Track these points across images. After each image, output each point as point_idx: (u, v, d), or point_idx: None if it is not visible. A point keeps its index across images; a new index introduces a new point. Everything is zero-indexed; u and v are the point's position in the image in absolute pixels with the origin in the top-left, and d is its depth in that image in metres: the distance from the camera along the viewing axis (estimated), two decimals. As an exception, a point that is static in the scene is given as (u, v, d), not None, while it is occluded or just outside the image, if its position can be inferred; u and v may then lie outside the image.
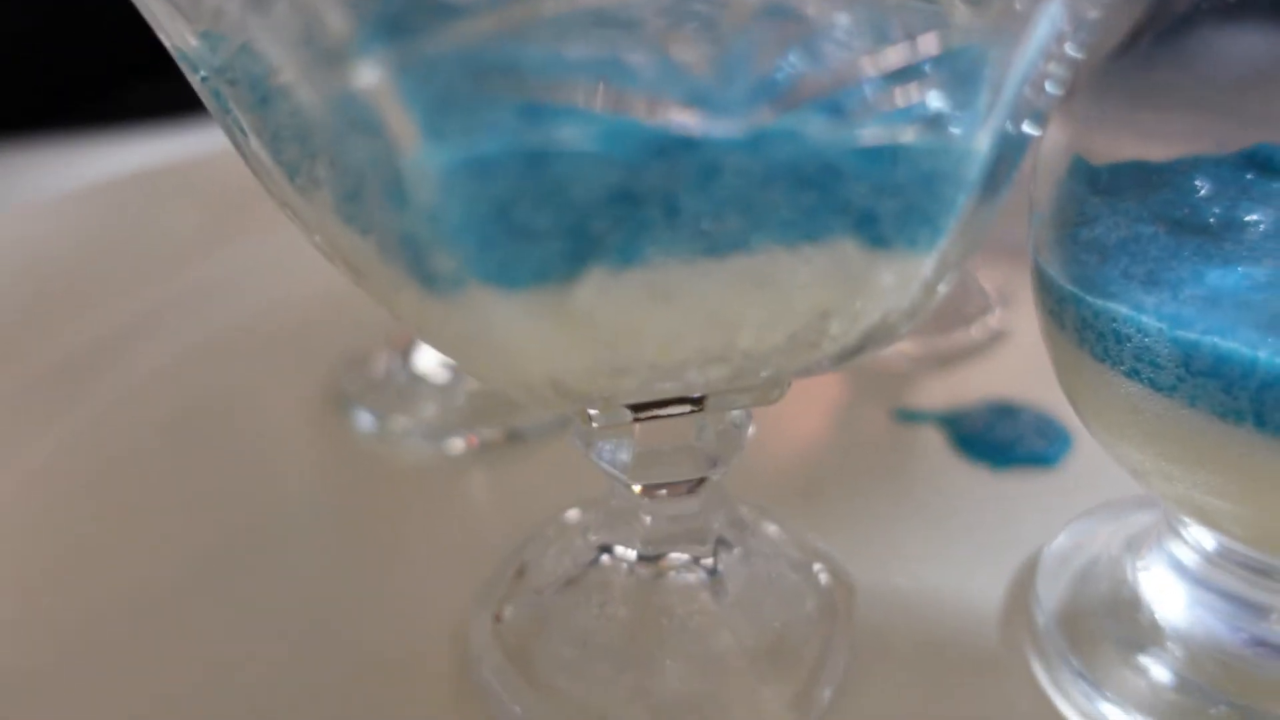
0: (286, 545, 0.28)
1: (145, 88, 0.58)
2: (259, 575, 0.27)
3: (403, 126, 0.12)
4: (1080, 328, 0.19)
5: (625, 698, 0.22)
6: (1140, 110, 0.23)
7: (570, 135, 0.12)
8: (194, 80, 0.17)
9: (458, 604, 0.25)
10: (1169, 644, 0.23)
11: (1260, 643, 0.22)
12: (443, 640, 0.24)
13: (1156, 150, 0.24)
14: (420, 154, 0.12)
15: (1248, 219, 0.20)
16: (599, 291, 0.14)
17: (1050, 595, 0.25)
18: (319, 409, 0.34)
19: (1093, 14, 0.13)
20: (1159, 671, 0.22)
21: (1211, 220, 0.20)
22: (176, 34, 0.16)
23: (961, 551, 0.27)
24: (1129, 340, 0.18)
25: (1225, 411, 0.17)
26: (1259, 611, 0.22)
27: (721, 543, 0.24)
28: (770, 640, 0.23)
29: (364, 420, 0.33)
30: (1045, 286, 0.21)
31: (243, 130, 0.16)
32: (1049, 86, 0.16)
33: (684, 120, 0.12)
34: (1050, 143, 0.22)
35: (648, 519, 0.23)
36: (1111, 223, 0.20)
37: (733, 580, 0.24)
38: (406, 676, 0.24)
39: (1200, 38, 0.23)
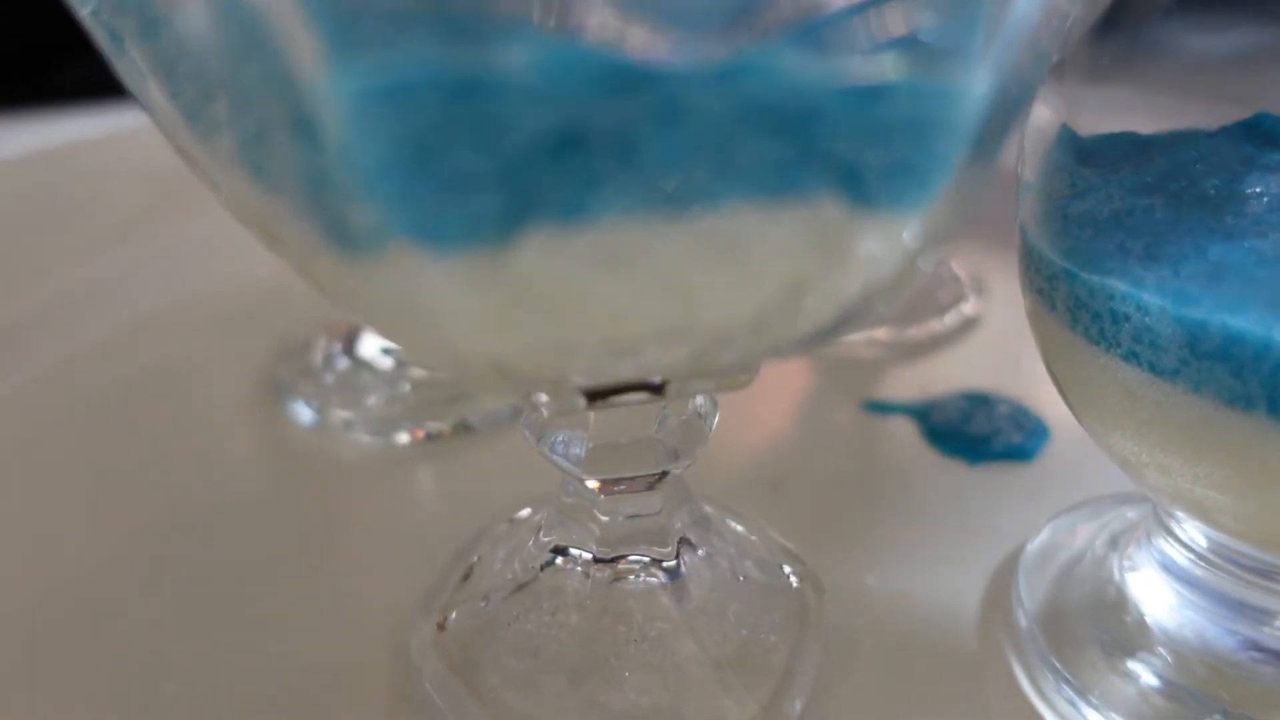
0: (215, 544, 0.26)
1: (75, 68, 0.55)
2: (184, 576, 0.24)
3: (305, 45, 0.10)
4: (1073, 307, 0.18)
5: (578, 712, 0.20)
6: (1131, 80, 0.22)
7: (506, 60, 0.10)
8: (84, 17, 0.15)
9: (399, 609, 0.23)
10: (1157, 647, 0.22)
11: (1256, 647, 0.21)
12: (381, 648, 0.22)
13: (1148, 123, 0.22)
14: (327, 79, 0.10)
15: (1250, 191, 0.18)
16: (541, 254, 0.12)
17: (1032, 596, 0.23)
18: (254, 398, 0.32)
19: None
20: (1147, 676, 0.21)
21: (1212, 192, 0.19)
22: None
23: (936, 550, 0.26)
24: (1127, 320, 0.17)
25: (1234, 398, 0.16)
26: (1255, 614, 0.21)
27: (684, 543, 0.22)
28: (736, 647, 0.22)
29: (302, 413, 0.31)
30: (1034, 264, 0.19)
31: (141, 73, 0.14)
32: (1045, 39, 0.14)
33: (642, 44, 0.10)
34: (1038, 112, 0.21)
35: (604, 518, 0.21)
36: (1105, 194, 0.19)
37: (696, 583, 0.22)
38: (341, 687, 0.22)
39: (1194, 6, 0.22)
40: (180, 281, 0.38)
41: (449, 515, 0.27)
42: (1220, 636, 0.21)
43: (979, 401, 0.31)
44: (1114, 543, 0.24)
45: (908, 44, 0.11)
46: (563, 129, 0.11)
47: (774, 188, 0.12)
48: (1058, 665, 0.22)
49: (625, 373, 0.15)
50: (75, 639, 0.23)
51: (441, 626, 0.22)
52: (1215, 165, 0.20)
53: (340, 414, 0.30)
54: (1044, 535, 0.25)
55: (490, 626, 0.22)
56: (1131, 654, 0.22)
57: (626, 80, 0.11)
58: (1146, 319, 0.16)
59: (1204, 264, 0.17)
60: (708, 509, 0.24)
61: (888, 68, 0.11)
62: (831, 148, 0.12)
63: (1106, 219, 0.18)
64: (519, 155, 0.11)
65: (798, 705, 0.21)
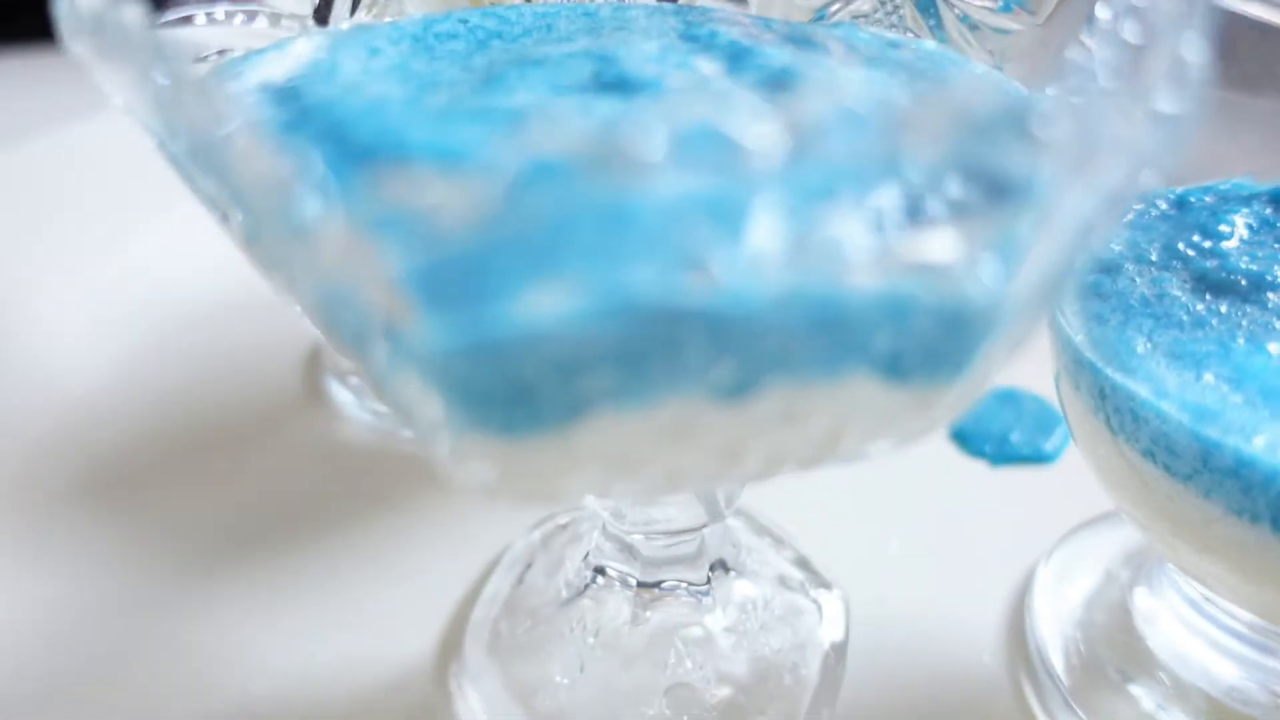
0: (257, 539, 0.27)
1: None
2: (223, 572, 0.26)
3: (400, 305, 0.11)
4: (1097, 397, 0.19)
5: (620, 730, 0.22)
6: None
7: (574, 315, 0.11)
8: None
9: (447, 605, 0.25)
10: (1159, 674, 0.23)
11: (1260, 676, 0.22)
12: (428, 650, 0.24)
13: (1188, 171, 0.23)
14: (418, 334, 0.11)
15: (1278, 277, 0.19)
16: (599, 433, 0.13)
17: (1044, 618, 0.25)
18: (302, 389, 0.33)
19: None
20: (1147, 704, 0.23)
21: (1242, 281, 0.19)
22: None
23: (958, 561, 0.27)
24: (1147, 424, 0.18)
25: (1241, 510, 0.17)
26: (1258, 645, 0.22)
27: (716, 566, 0.24)
28: (766, 663, 0.24)
29: (349, 403, 0.32)
30: (1063, 344, 0.20)
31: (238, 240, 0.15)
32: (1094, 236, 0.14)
33: (698, 285, 0.11)
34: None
35: (645, 553, 0.23)
36: (1135, 273, 0.19)
37: (727, 604, 0.24)
38: (389, 684, 0.24)
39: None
40: (229, 269, 0.39)
41: (493, 512, 0.29)
42: (1221, 665, 0.23)
43: (1005, 397, 0.32)
44: (1127, 562, 0.26)
45: (945, 262, 0.12)
46: (621, 350, 0.12)
47: (816, 374, 0.13)
48: (1065, 691, 0.23)
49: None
50: (133, 629, 0.25)
51: (490, 644, 0.24)
52: (1248, 239, 0.20)
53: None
54: (1059, 554, 0.26)
55: (537, 643, 0.24)
56: (1136, 680, 0.23)
57: (682, 314, 0.11)
58: (1165, 427, 0.17)
59: (1227, 367, 0.18)
60: (738, 529, 0.26)
61: (924, 283, 0.12)
62: (872, 345, 0.13)
63: (1135, 305, 0.19)
64: (583, 377, 0.12)
65: (827, 711, 0.23)
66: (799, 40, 0.18)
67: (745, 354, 0.12)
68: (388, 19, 0.20)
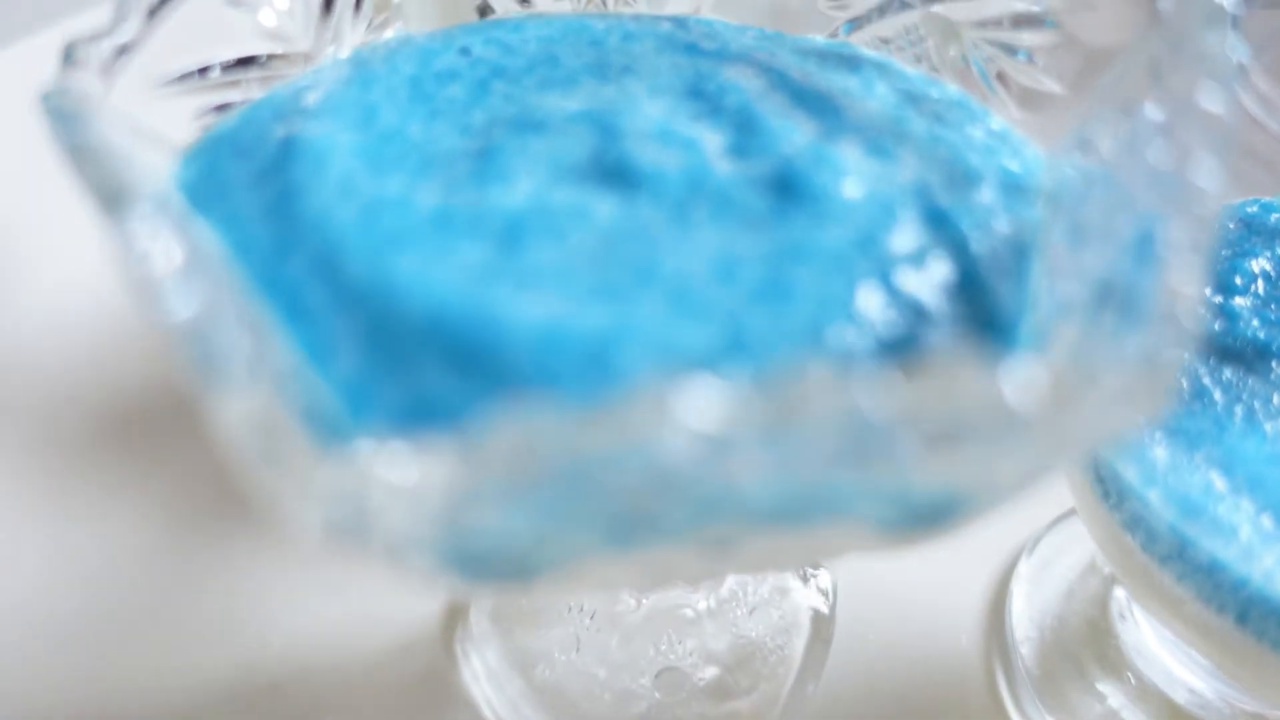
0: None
1: None
2: (242, 526, 0.28)
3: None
4: (1132, 521, 0.18)
5: (615, 703, 0.24)
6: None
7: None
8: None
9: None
10: (1127, 674, 0.24)
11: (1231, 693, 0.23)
12: (435, 615, 0.26)
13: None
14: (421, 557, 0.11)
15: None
16: (577, 576, 0.14)
17: (1022, 606, 0.26)
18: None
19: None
20: (1111, 704, 0.24)
21: (1249, 348, 0.19)
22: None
23: (944, 544, 0.28)
24: (1130, 502, 0.18)
25: (1210, 600, 0.17)
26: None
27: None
28: (751, 648, 0.25)
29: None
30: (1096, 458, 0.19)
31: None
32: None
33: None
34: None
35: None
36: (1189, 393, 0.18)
37: (717, 587, 0.25)
38: (400, 646, 0.25)
39: None
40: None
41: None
42: (1185, 671, 0.24)
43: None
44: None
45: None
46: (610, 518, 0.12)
47: (818, 522, 0.13)
48: (1035, 683, 0.25)
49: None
50: (153, 579, 0.27)
51: (494, 612, 0.26)
52: (1268, 297, 0.20)
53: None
54: (1044, 542, 0.27)
55: (538, 615, 0.25)
56: (1104, 678, 0.25)
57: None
58: (1146, 512, 0.17)
59: (1219, 449, 0.18)
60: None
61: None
62: (869, 516, 0.13)
63: (1192, 431, 0.18)
64: (573, 542, 0.12)
65: (812, 687, 0.25)
66: (811, 101, 0.17)
67: (739, 525, 0.13)
68: (390, 32, 0.19)
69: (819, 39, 0.20)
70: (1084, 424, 0.10)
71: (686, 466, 0.10)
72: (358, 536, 0.10)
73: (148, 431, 0.30)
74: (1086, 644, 0.25)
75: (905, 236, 0.15)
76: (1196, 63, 0.13)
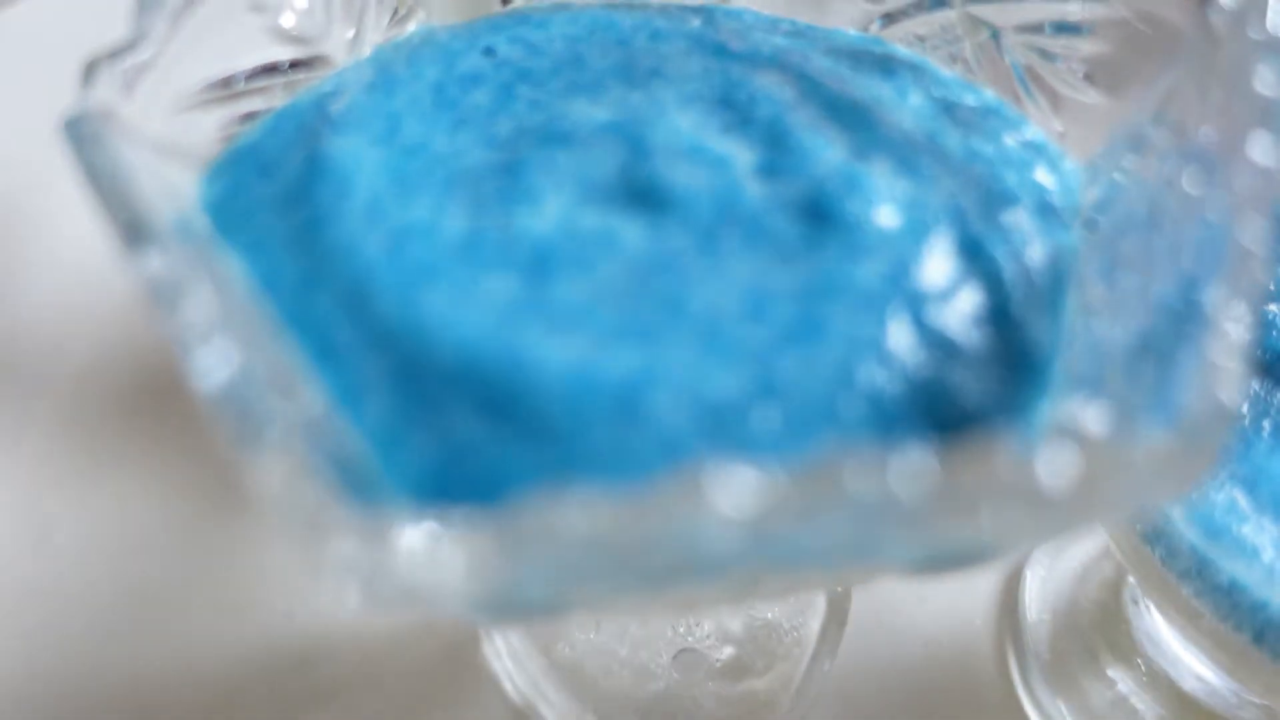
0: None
1: None
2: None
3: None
4: (1152, 533, 0.18)
5: (635, 680, 0.24)
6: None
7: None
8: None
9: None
10: (1138, 661, 0.25)
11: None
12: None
13: None
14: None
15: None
16: (612, 609, 0.14)
17: (1036, 588, 0.26)
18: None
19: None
20: (1120, 692, 0.24)
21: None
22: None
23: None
24: (1150, 515, 0.18)
25: (1227, 618, 0.17)
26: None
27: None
28: (767, 629, 0.25)
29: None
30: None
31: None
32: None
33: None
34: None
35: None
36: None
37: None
38: (423, 622, 0.26)
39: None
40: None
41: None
42: (1193, 660, 0.24)
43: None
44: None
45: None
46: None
47: (846, 566, 0.13)
48: (1045, 666, 0.25)
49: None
50: (183, 550, 0.27)
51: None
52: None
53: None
54: (1061, 527, 0.27)
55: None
56: (1114, 663, 0.25)
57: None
58: (1168, 527, 0.18)
59: (1245, 466, 0.18)
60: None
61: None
62: (906, 556, 0.13)
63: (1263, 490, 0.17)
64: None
65: (827, 665, 0.25)
66: (844, 113, 0.17)
67: (769, 572, 0.13)
68: (412, 26, 0.19)
69: (853, 33, 0.19)
70: (1117, 498, 0.10)
71: (723, 549, 0.10)
72: (391, 603, 0.10)
73: (177, 406, 0.30)
74: (1098, 628, 0.26)
75: (938, 269, 0.14)
76: (1248, 101, 0.13)
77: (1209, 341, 0.11)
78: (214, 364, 0.11)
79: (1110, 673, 0.25)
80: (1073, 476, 0.10)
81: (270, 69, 0.17)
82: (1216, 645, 0.19)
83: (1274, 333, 0.19)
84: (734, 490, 0.10)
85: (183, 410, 0.30)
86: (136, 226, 0.12)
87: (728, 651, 0.25)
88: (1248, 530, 0.17)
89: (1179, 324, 0.12)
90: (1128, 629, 0.25)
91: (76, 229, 0.34)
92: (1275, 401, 0.18)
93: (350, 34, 0.18)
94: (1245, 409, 0.18)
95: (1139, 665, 0.25)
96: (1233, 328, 0.11)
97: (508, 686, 0.25)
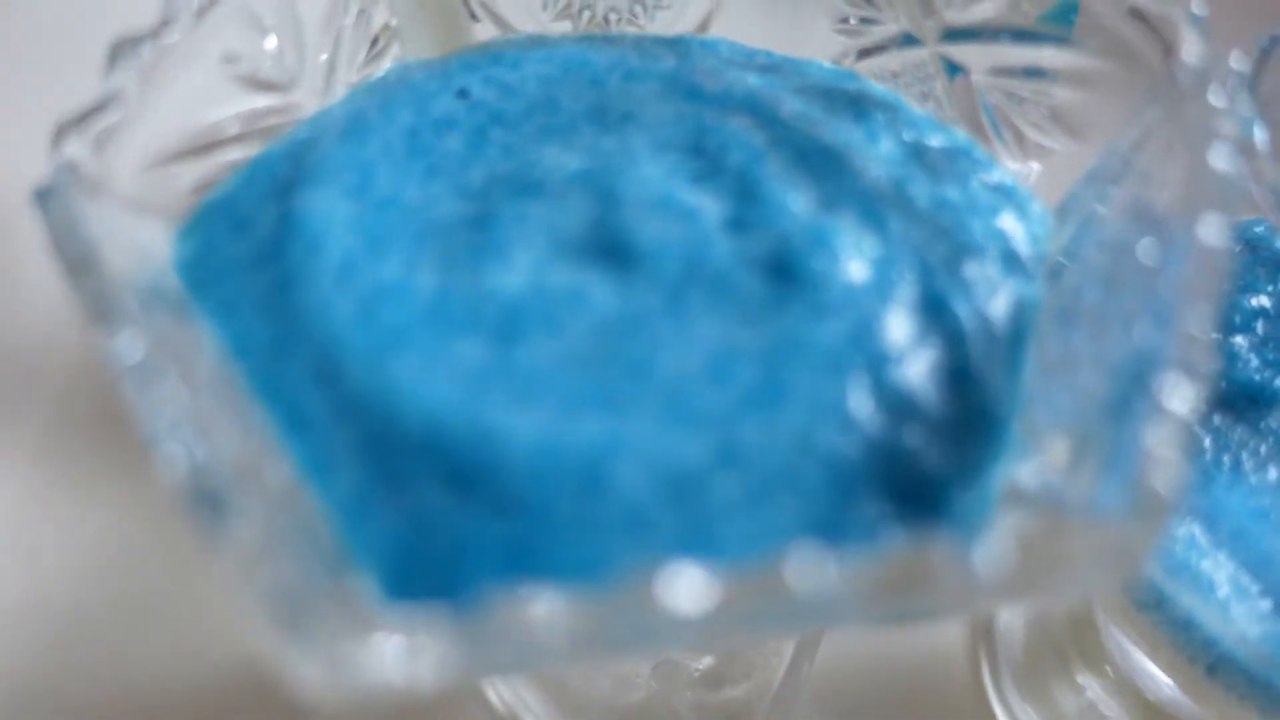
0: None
1: None
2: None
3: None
4: (1134, 594, 0.18)
5: (607, 698, 0.25)
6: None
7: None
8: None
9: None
10: (1108, 669, 0.25)
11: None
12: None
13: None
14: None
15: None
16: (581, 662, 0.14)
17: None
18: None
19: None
20: (1093, 696, 0.25)
21: (1242, 392, 0.19)
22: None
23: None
24: (1167, 616, 0.18)
25: (1183, 648, 0.18)
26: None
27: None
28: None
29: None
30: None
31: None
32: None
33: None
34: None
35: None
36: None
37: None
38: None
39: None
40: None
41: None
42: (1156, 670, 0.25)
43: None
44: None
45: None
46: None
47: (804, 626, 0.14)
48: (1016, 668, 0.26)
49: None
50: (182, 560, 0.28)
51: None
52: (1266, 337, 0.20)
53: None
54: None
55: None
56: (1084, 670, 0.26)
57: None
58: (1188, 630, 0.18)
59: (1205, 500, 0.18)
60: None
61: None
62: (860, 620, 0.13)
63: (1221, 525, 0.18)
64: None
65: (804, 672, 0.26)
66: (813, 161, 0.17)
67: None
68: (388, 60, 0.19)
69: (827, 67, 0.19)
70: (1054, 584, 0.11)
71: (677, 636, 0.10)
72: (357, 691, 0.10)
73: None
74: (1069, 637, 0.26)
75: (900, 328, 0.15)
76: (1204, 173, 0.13)
77: (1151, 428, 0.11)
78: (177, 456, 0.11)
79: (1080, 680, 0.25)
80: (1008, 569, 0.10)
81: (244, 117, 0.17)
82: (1173, 671, 0.19)
83: (1238, 366, 0.19)
84: (684, 592, 0.10)
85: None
86: (103, 309, 0.12)
87: (706, 661, 0.26)
88: (1206, 564, 0.18)
89: (1124, 403, 0.12)
90: (1097, 638, 0.26)
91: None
92: (1236, 436, 0.19)
93: (324, 75, 0.18)
94: (1207, 444, 0.19)
95: (1108, 673, 0.25)
96: (1175, 415, 0.11)
97: (491, 696, 0.26)
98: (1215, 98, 0.14)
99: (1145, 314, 0.13)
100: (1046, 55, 0.17)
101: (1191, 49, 0.14)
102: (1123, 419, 0.12)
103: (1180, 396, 0.11)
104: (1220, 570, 0.18)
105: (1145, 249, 0.13)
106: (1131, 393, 0.12)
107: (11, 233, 0.33)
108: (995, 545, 0.10)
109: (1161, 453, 0.11)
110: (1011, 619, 0.26)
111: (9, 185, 0.33)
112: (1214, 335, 0.11)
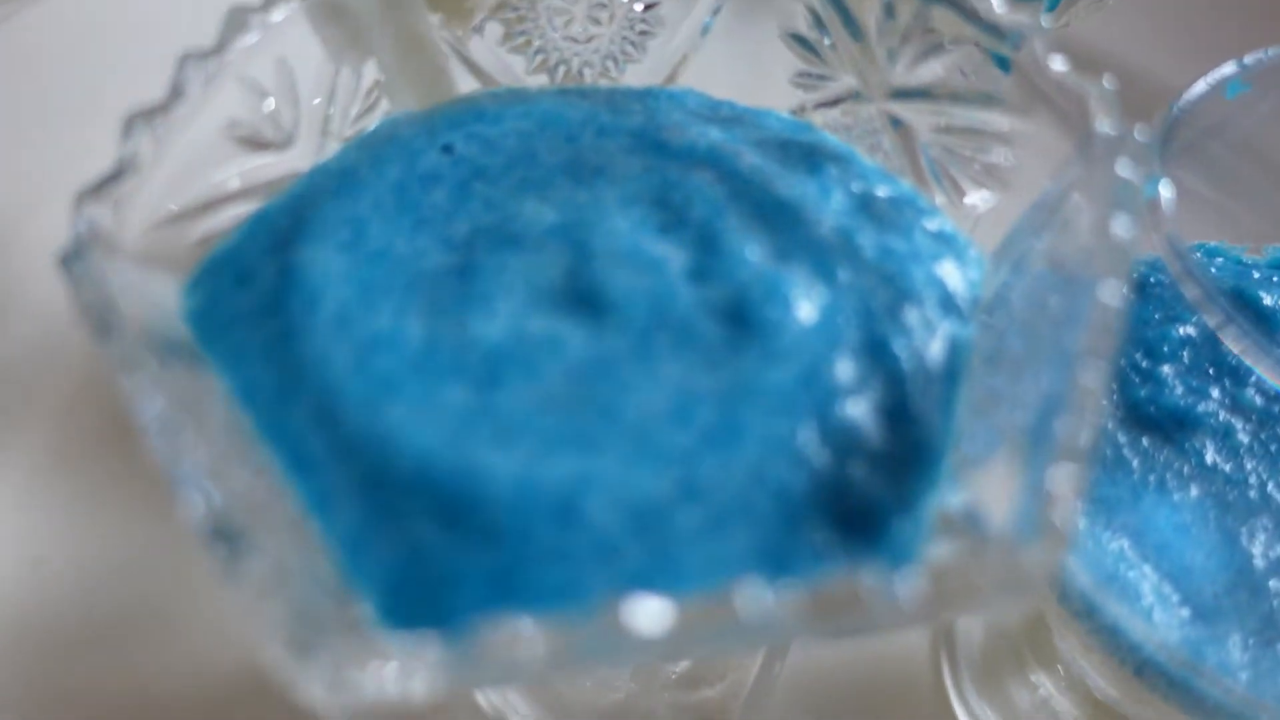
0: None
1: None
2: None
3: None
4: (1066, 602, 0.20)
5: (589, 699, 0.27)
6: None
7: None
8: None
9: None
10: (1059, 668, 0.27)
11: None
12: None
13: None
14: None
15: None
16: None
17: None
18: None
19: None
20: (1044, 694, 0.27)
21: (1167, 418, 0.21)
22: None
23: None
24: (1097, 623, 0.19)
25: (1114, 653, 0.20)
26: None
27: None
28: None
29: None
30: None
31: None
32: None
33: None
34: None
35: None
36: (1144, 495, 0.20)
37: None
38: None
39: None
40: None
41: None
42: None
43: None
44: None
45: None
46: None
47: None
48: (975, 668, 0.27)
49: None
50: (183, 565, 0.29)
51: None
52: (1189, 366, 0.21)
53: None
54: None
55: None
56: (1037, 669, 0.27)
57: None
58: (1116, 636, 0.19)
59: (1134, 516, 0.20)
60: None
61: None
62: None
63: (1110, 499, 0.20)
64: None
65: (776, 672, 0.28)
66: (769, 213, 0.18)
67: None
68: (378, 113, 0.20)
69: (785, 118, 0.21)
70: (967, 607, 0.12)
71: (644, 654, 0.12)
72: (358, 704, 0.12)
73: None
74: (1024, 638, 0.28)
75: (845, 370, 0.16)
76: (1106, 241, 0.15)
77: (1053, 467, 0.13)
78: (195, 499, 0.12)
79: (1033, 678, 0.27)
80: (923, 599, 0.12)
81: (245, 174, 0.18)
82: (1107, 672, 0.21)
83: (1164, 392, 0.21)
84: (645, 618, 0.11)
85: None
86: (127, 365, 0.13)
87: (682, 665, 0.27)
88: (1133, 575, 0.19)
89: (1033, 442, 0.13)
90: (1050, 640, 0.28)
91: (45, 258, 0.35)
92: (1162, 457, 0.20)
93: (319, 131, 0.19)
94: (1136, 463, 0.20)
95: (1059, 672, 0.27)
96: (1072, 456, 0.13)
97: (480, 699, 0.27)
98: (1121, 167, 0.15)
99: (1050, 362, 0.14)
100: (982, 117, 0.18)
101: (1103, 119, 0.16)
102: (1031, 457, 0.13)
103: (1076, 440, 0.13)
104: (1145, 581, 0.19)
105: (1053, 302, 0.15)
106: (1038, 434, 0.13)
107: (10, 247, 0.35)
108: (913, 574, 0.12)
109: (1060, 490, 0.13)
110: (970, 623, 0.28)
111: (6, 203, 0.35)
112: (1109, 385, 0.13)
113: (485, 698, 0.27)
